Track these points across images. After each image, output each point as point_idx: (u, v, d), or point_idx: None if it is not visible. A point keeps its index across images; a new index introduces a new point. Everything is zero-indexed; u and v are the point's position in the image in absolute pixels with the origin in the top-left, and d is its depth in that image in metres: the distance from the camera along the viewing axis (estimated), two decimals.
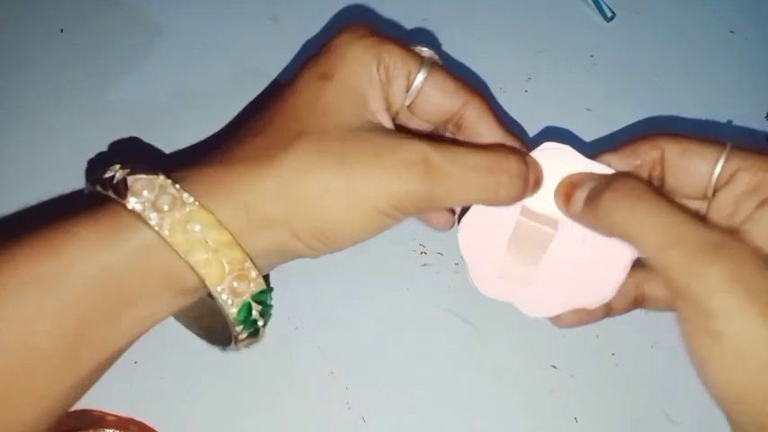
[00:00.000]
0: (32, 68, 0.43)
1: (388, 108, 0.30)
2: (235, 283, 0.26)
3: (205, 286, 0.26)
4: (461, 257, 0.39)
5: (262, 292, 0.27)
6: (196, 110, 0.42)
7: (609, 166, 0.30)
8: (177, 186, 0.26)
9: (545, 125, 0.43)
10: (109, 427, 0.33)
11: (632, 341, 0.38)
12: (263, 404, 0.36)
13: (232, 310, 0.27)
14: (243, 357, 0.36)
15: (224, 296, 0.26)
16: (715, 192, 0.29)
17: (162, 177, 0.26)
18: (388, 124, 0.29)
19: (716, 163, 0.29)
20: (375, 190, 0.27)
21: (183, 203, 0.25)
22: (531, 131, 0.43)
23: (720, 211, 0.29)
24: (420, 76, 0.29)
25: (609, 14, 0.47)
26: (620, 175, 0.30)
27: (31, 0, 0.45)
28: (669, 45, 0.47)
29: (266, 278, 0.28)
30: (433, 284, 0.39)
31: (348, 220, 0.27)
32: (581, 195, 0.29)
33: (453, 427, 0.36)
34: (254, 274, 0.27)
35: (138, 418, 0.34)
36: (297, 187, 0.27)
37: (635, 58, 0.46)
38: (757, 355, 0.24)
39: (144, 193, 0.25)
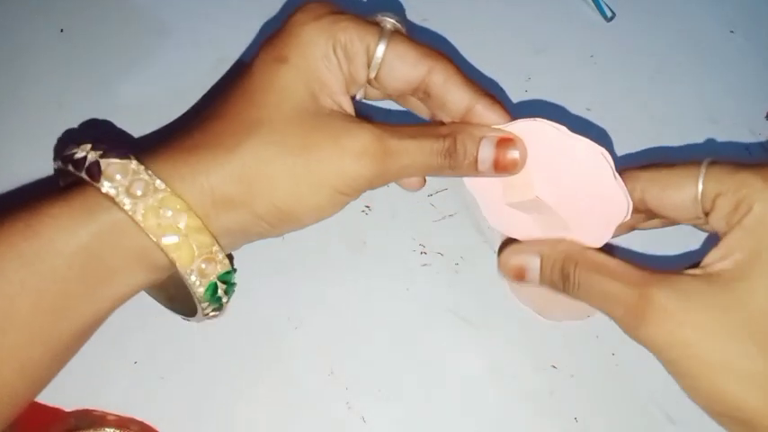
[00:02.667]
0: (32, 68, 0.43)
1: (353, 84, 0.30)
2: (203, 266, 0.28)
3: (176, 267, 0.28)
4: (461, 257, 0.39)
5: (227, 272, 0.29)
6: (196, 110, 0.42)
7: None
8: (149, 172, 0.27)
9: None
10: (110, 427, 0.33)
11: (632, 341, 0.38)
12: (264, 404, 0.36)
13: (199, 290, 0.28)
14: (243, 357, 0.36)
15: (192, 277, 0.28)
16: (707, 213, 0.30)
17: (135, 162, 0.27)
18: (348, 106, 0.30)
19: (695, 195, 0.30)
20: (335, 173, 0.29)
21: (156, 189, 0.27)
22: None
23: (720, 229, 0.29)
24: (380, 50, 0.30)
25: (609, 14, 0.47)
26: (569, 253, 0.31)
27: (32, 0, 0.45)
28: (669, 45, 0.47)
29: (230, 258, 0.30)
30: (433, 284, 0.39)
31: (309, 201, 0.29)
32: (532, 277, 0.32)
33: (453, 427, 0.36)
34: (220, 256, 0.29)
35: (139, 418, 0.34)
36: (259, 172, 0.28)
37: (635, 57, 0.46)
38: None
39: (117, 177, 0.27)
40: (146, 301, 0.37)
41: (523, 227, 0.34)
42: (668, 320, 0.27)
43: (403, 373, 0.37)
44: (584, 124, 0.44)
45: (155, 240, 0.27)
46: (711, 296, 0.27)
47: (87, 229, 0.27)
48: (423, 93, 0.31)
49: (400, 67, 0.30)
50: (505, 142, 0.30)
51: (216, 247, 0.28)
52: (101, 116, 0.42)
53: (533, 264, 0.32)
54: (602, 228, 0.31)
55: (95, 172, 0.27)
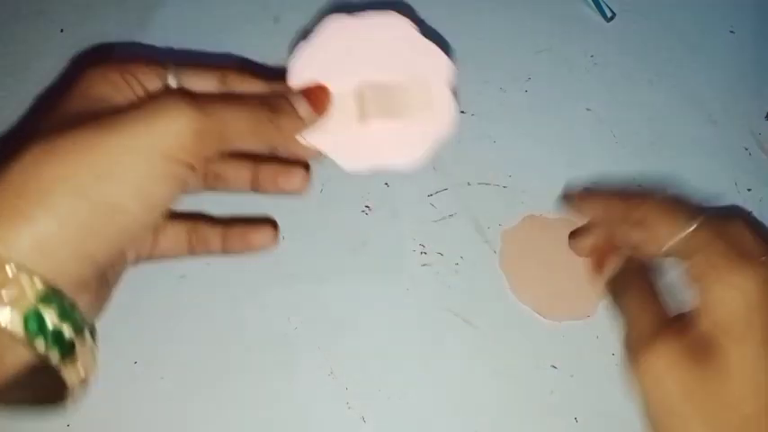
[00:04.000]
0: (33, 68, 0.43)
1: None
2: (5, 294, 0.22)
3: None
4: (461, 257, 0.39)
5: (50, 291, 0.23)
6: None
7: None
8: None
9: (545, 125, 0.43)
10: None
11: None
12: (264, 404, 0.36)
13: (15, 327, 0.22)
14: (243, 357, 0.36)
15: None
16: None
17: None
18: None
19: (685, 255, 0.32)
20: (152, 135, 0.25)
21: None
22: (531, 131, 0.43)
23: (692, 276, 0.31)
24: (171, 79, 0.30)
25: (609, 14, 0.47)
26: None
27: (32, 0, 0.45)
28: (669, 45, 0.47)
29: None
30: (433, 284, 0.39)
31: (131, 177, 0.25)
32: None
33: (453, 427, 0.36)
34: (24, 275, 0.23)
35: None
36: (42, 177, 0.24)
37: (635, 58, 0.46)
38: None
39: None
40: (145, 302, 0.37)
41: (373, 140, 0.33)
42: (659, 387, 0.30)
43: (403, 373, 0.37)
44: (585, 124, 0.44)
45: None
46: (700, 372, 0.29)
47: None
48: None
49: (196, 80, 0.31)
50: (309, 90, 0.32)
51: (12, 269, 0.22)
52: None
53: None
54: (439, 89, 0.32)
55: None
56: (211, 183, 0.33)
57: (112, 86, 0.28)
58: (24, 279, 0.22)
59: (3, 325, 0.22)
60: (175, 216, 0.33)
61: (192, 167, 0.26)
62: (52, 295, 0.23)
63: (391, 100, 0.32)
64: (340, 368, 0.37)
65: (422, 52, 0.32)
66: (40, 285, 0.23)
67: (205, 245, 0.33)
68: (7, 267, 0.22)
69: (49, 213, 0.23)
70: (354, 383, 0.36)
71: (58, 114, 0.27)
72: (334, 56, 0.32)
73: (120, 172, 0.24)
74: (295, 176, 0.33)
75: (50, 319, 0.23)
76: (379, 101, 0.32)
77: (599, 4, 0.47)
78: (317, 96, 0.31)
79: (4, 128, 0.41)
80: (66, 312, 0.24)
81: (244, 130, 0.28)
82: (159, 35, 0.45)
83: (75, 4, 0.45)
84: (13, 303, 0.22)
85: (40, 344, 0.23)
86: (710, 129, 0.44)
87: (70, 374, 0.25)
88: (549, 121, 0.43)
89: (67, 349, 0.24)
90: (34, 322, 0.23)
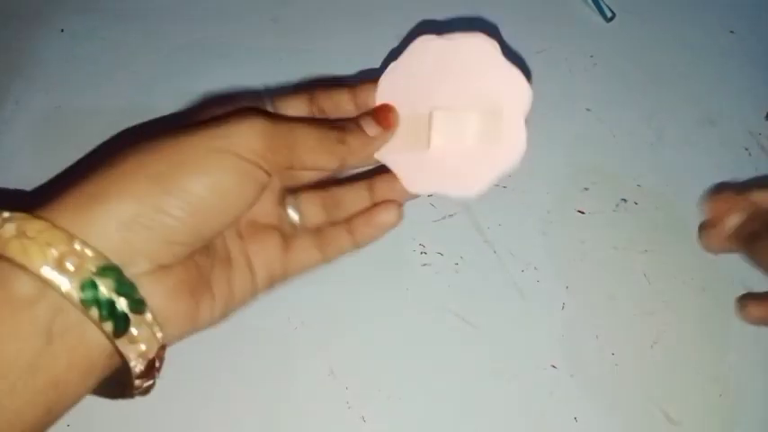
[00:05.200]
0: (32, 68, 0.43)
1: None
2: (68, 263, 0.24)
3: (41, 282, 0.24)
4: (461, 257, 0.39)
5: (108, 267, 0.25)
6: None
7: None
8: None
9: (545, 125, 0.43)
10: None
11: (632, 341, 0.38)
12: (264, 404, 0.36)
13: (72, 291, 0.24)
14: (243, 357, 0.36)
15: (54, 275, 0.24)
16: None
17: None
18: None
19: None
20: (229, 138, 0.27)
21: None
22: (531, 131, 0.43)
23: None
24: (269, 106, 0.32)
25: (609, 15, 0.47)
26: None
27: (32, 0, 0.45)
28: (669, 45, 0.47)
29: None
30: (433, 284, 0.39)
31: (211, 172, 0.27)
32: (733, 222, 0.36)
33: (453, 426, 0.36)
34: (88, 251, 0.25)
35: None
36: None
37: (635, 58, 0.46)
38: None
39: None
40: None
41: (442, 170, 0.33)
42: None
43: (403, 373, 0.37)
44: (585, 124, 0.44)
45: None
46: None
47: None
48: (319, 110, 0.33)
49: (288, 104, 0.32)
50: (377, 108, 0.32)
51: (78, 242, 0.25)
52: (102, 116, 0.42)
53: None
54: (514, 122, 0.32)
55: None
56: (333, 212, 0.34)
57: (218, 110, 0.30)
58: (88, 252, 0.25)
59: (63, 290, 0.24)
60: (300, 232, 0.34)
61: (263, 170, 0.28)
62: (110, 269, 0.25)
63: (463, 128, 0.32)
64: (340, 368, 0.37)
65: (504, 79, 0.31)
66: (100, 260, 0.25)
67: (336, 246, 0.34)
68: (75, 243, 0.25)
69: (125, 193, 0.26)
70: (354, 383, 0.36)
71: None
72: (417, 77, 0.32)
73: (193, 163, 0.27)
74: (390, 209, 0.33)
75: (105, 289, 0.25)
76: (450, 128, 0.32)
77: (599, 4, 0.47)
78: (384, 115, 0.32)
79: (4, 126, 0.41)
80: (124, 287, 0.26)
81: (312, 143, 0.30)
82: (159, 35, 0.45)
83: (76, 4, 0.45)
84: (74, 272, 0.25)
85: (94, 312, 0.25)
86: (710, 129, 0.44)
87: (126, 348, 0.26)
88: (549, 121, 0.43)
89: (122, 322, 0.26)
90: (89, 291, 0.25)
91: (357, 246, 0.34)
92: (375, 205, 0.34)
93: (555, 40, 0.46)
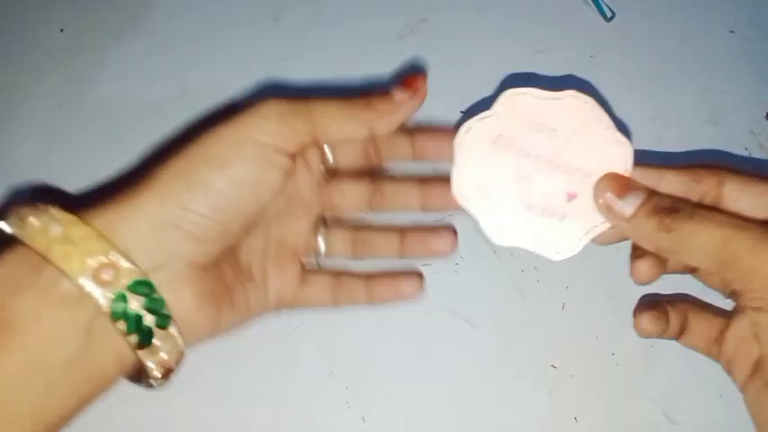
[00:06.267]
0: (33, 68, 0.43)
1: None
2: (104, 275, 0.25)
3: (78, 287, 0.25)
4: (461, 257, 0.39)
5: (141, 283, 0.26)
6: (197, 110, 0.42)
7: (664, 182, 0.31)
8: (47, 207, 0.26)
9: None
10: None
11: (632, 341, 0.38)
12: (264, 404, 0.36)
13: (104, 303, 0.25)
14: (243, 357, 0.36)
15: (91, 286, 0.25)
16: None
17: (47, 207, 0.26)
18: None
19: None
20: (251, 127, 0.28)
21: (47, 213, 0.26)
22: None
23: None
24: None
25: (609, 14, 0.47)
26: (687, 202, 0.30)
27: (32, 0, 0.45)
28: (669, 45, 0.47)
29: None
30: (433, 284, 0.39)
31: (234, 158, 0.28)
32: (635, 200, 0.29)
33: (453, 427, 0.36)
34: (124, 264, 0.26)
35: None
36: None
37: (635, 58, 0.46)
38: None
39: (13, 218, 0.26)
40: None
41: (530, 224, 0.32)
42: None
43: (403, 373, 0.37)
44: None
45: (42, 255, 0.25)
46: None
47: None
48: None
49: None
50: (406, 76, 0.31)
51: (115, 253, 0.26)
52: (102, 117, 0.42)
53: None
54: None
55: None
56: (360, 252, 0.34)
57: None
58: (123, 264, 0.26)
59: (96, 300, 0.25)
60: (320, 270, 0.34)
61: (284, 153, 0.28)
62: (142, 284, 0.26)
63: (557, 194, 0.31)
64: (340, 368, 0.37)
65: (604, 143, 0.30)
66: (134, 275, 0.26)
67: (350, 296, 0.34)
68: (112, 253, 0.26)
69: (153, 193, 0.27)
70: (354, 383, 0.36)
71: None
72: (510, 132, 0.31)
73: (209, 155, 0.28)
74: (444, 237, 0.34)
75: (135, 303, 0.26)
76: (544, 192, 0.31)
77: (599, 4, 0.47)
78: (412, 81, 0.31)
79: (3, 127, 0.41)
80: (153, 302, 0.27)
81: (333, 110, 0.30)
82: (159, 35, 0.45)
83: (76, 3, 0.45)
84: (108, 284, 0.25)
85: (122, 325, 0.26)
86: (710, 129, 0.44)
87: (147, 357, 0.27)
88: None
89: (146, 337, 0.27)
90: (119, 303, 0.26)
91: (370, 302, 0.34)
92: (400, 274, 0.34)
93: (555, 40, 0.46)
